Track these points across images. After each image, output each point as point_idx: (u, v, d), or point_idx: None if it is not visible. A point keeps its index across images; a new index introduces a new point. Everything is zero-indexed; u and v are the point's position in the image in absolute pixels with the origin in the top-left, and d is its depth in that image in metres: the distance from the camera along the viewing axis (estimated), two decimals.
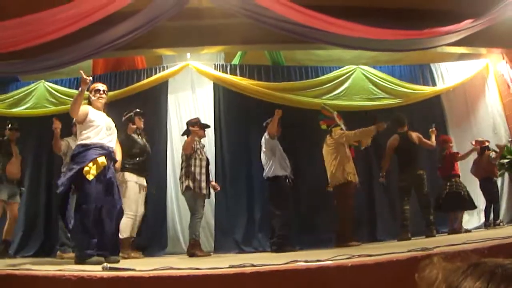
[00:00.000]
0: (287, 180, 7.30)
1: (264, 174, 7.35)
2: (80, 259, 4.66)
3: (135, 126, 6.90)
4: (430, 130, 8.06)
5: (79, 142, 5.12)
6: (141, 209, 6.77)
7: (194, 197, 6.82)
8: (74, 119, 5.44)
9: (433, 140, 7.98)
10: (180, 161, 7.14)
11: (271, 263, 3.28)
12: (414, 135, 7.84)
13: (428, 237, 7.11)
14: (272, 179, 7.24)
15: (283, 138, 7.56)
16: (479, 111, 9.51)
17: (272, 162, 7.26)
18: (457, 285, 0.78)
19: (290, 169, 7.37)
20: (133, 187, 6.59)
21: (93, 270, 3.22)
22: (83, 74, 5.11)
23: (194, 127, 7.03)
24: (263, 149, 7.40)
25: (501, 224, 8.16)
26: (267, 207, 7.48)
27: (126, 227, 6.31)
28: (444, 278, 0.82)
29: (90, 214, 4.82)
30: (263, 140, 7.42)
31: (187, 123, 7.32)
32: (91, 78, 5.26)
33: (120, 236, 5.71)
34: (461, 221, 7.96)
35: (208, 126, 7.51)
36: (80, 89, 5.11)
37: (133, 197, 6.54)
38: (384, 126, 7.36)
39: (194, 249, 6.61)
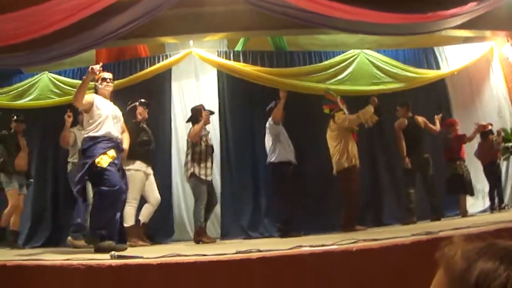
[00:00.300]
0: (291, 166, 7.30)
1: (267, 159, 7.36)
2: (92, 239, 4.76)
3: (142, 115, 6.95)
4: (436, 116, 8.05)
5: (87, 135, 5.12)
6: (157, 196, 6.88)
7: (198, 184, 6.83)
8: (81, 108, 5.42)
9: (437, 126, 7.98)
10: (185, 148, 7.14)
11: (277, 248, 3.31)
12: (420, 119, 7.88)
13: (433, 221, 7.14)
14: (276, 164, 7.24)
15: (287, 123, 7.53)
16: (484, 94, 9.47)
17: (275, 148, 7.25)
18: (475, 261, 0.82)
19: (294, 155, 7.37)
20: (139, 175, 6.63)
21: (101, 258, 3.25)
22: (94, 67, 5.17)
23: (205, 112, 7.08)
24: (267, 134, 7.40)
25: (506, 207, 8.16)
26: (272, 193, 7.49)
27: (130, 216, 6.37)
28: (462, 255, 0.85)
29: (109, 197, 4.87)
30: (267, 125, 7.40)
31: (192, 110, 7.32)
32: (101, 67, 5.28)
33: (125, 225, 5.76)
34: (465, 205, 7.96)
35: (212, 113, 7.51)
36: (85, 77, 5.15)
37: (138, 185, 6.58)
38: (376, 100, 7.42)
39: (200, 236, 6.64)
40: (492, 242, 0.87)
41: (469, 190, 8.00)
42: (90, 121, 5.13)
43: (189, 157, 6.93)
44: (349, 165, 7.22)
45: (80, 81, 7.65)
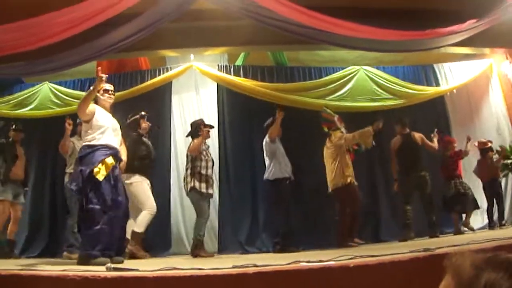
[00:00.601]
0: (287, 181, 7.30)
1: (264, 176, 7.37)
2: (84, 259, 4.65)
3: (147, 126, 6.98)
4: (432, 134, 8.05)
5: (85, 143, 5.10)
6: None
7: (199, 198, 6.83)
8: (81, 118, 5.43)
9: (435, 143, 7.98)
10: (185, 162, 7.14)
11: (274, 263, 3.29)
12: (417, 136, 7.87)
13: (431, 238, 7.12)
14: (272, 181, 7.25)
15: (285, 139, 7.55)
16: (483, 111, 9.49)
17: (272, 165, 7.27)
18: (483, 270, 0.94)
19: (291, 170, 7.36)
20: (143, 184, 6.67)
21: (97, 270, 3.24)
22: (99, 72, 5.23)
23: (206, 128, 7.11)
24: (264, 152, 7.43)
25: (506, 224, 8.15)
26: (269, 208, 7.49)
27: (145, 223, 6.41)
28: (471, 263, 0.96)
29: (97, 215, 4.79)
30: (264, 143, 7.43)
31: (192, 124, 7.33)
32: (106, 76, 5.31)
33: (137, 230, 5.80)
34: (458, 222, 7.96)
35: (212, 127, 7.52)
36: (92, 87, 5.18)
37: (148, 192, 6.67)
38: (380, 125, 7.31)
39: (198, 250, 6.63)
40: (498, 253, 0.99)
41: (474, 205, 8.02)
42: (89, 131, 5.12)
43: (189, 171, 6.92)
44: (344, 183, 7.23)
45: (80, 92, 7.87)
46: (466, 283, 0.94)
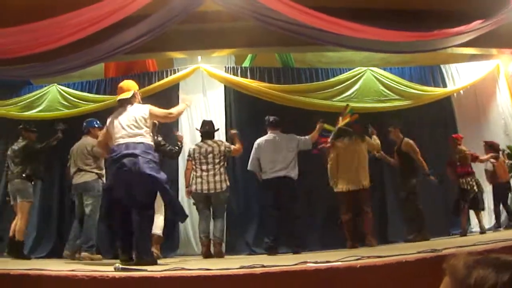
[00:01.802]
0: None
1: (286, 173, 7.23)
2: (146, 260, 4.78)
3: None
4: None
5: (149, 142, 5.30)
6: None
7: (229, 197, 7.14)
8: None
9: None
10: (217, 161, 7.18)
11: (281, 264, 3.31)
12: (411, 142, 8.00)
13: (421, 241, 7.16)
14: (294, 179, 7.26)
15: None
16: (490, 112, 9.46)
17: (295, 163, 7.29)
18: (473, 268, 1.07)
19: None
20: None
21: (105, 270, 3.26)
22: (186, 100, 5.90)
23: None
24: (291, 148, 7.35)
25: None
26: (287, 208, 7.24)
27: (161, 224, 6.49)
28: (464, 264, 1.10)
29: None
30: (298, 139, 7.42)
31: (211, 124, 7.59)
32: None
33: (158, 232, 5.94)
34: (465, 223, 7.97)
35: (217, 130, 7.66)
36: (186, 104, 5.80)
37: None
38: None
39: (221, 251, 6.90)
40: (488, 254, 1.13)
41: (478, 205, 8.00)
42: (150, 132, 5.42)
43: (223, 169, 7.13)
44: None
45: (88, 94, 7.99)
46: (460, 281, 1.08)
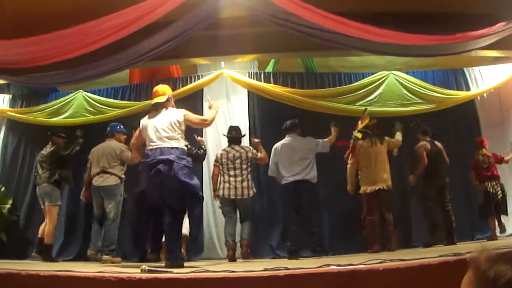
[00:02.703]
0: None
1: (304, 176, 7.24)
2: (176, 262, 4.90)
3: None
4: None
5: (181, 147, 5.43)
6: None
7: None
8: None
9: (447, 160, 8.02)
10: (244, 166, 7.29)
11: (305, 266, 3.34)
12: (440, 145, 7.95)
13: (448, 245, 7.12)
14: (313, 182, 7.30)
15: None
16: None
17: (313, 166, 7.33)
18: (494, 263, 1.18)
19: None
20: None
21: (132, 272, 3.33)
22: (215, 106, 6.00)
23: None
24: (308, 150, 7.39)
25: None
26: (307, 211, 7.27)
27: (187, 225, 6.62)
28: (485, 259, 1.21)
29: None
30: (316, 142, 7.47)
31: (238, 129, 7.74)
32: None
33: (185, 232, 6.21)
34: (494, 227, 7.86)
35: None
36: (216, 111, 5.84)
37: None
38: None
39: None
40: (508, 251, 1.27)
41: (502, 209, 7.90)
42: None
43: (250, 176, 7.28)
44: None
45: (114, 100, 8.17)
46: (481, 274, 1.18)
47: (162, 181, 5.12)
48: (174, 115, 5.45)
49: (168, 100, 5.63)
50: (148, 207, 5.35)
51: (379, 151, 7.50)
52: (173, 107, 5.69)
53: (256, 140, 7.59)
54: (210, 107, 6.02)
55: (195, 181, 5.38)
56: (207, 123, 5.94)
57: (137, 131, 5.71)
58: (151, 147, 5.31)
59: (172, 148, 5.24)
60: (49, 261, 7.13)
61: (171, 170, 5.11)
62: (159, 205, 5.20)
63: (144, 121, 5.58)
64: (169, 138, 5.30)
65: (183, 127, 5.46)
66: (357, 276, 2.95)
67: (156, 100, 5.62)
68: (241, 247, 7.01)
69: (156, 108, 5.59)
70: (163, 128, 5.33)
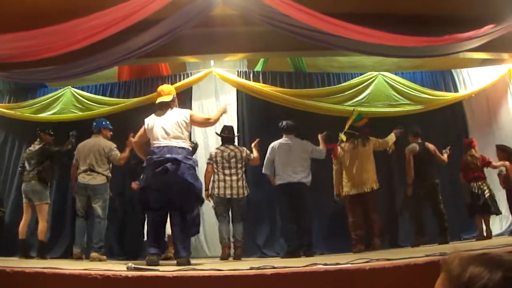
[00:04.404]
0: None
1: (300, 179, 7.28)
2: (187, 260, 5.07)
3: None
4: (444, 150, 8.07)
5: (190, 148, 5.55)
6: None
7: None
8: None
9: (445, 157, 8.03)
10: (239, 166, 7.29)
11: (291, 265, 3.35)
12: (431, 146, 7.97)
13: (441, 244, 7.14)
14: (307, 185, 7.32)
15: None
16: (502, 117, 9.41)
17: (308, 170, 7.37)
18: (467, 266, 1.11)
19: None
20: None
21: (119, 270, 3.32)
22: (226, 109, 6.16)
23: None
24: (305, 156, 7.43)
25: None
26: (301, 212, 7.30)
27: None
28: (458, 262, 1.15)
29: None
30: (312, 147, 7.50)
31: (231, 129, 7.71)
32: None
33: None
34: (481, 228, 7.91)
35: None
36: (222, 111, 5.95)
37: None
38: (402, 132, 7.85)
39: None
40: (482, 253, 1.17)
41: (493, 210, 7.93)
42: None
43: (244, 175, 7.30)
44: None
45: (102, 97, 8.10)
46: (455, 278, 1.13)
47: (168, 181, 5.15)
48: (180, 115, 5.52)
49: (173, 99, 5.70)
50: (151, 203, 5.35)
51: (362, 153, 7.48)
52: (177, 107, 5.76)
53: (256, 141, 7.62)
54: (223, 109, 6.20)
55: (199, 183, 5.50)
56: (211, 123, 5.96)
57: (141, 130, 5.68)
58: (157, 144, 5.35)
59: (179, 147, 5.31)
60: (44, 258, 7.09)
61: (178, 170, 5.17)
62: (162, 203, 5.26)
63: (149, 120, 5.59)
64: (177, 137, 5.36)
65: (189, 128, 5.57)
66: (343, 276, 2.96)
67: (162, 99, 5.64)
68: (235, 249, 7.00)
69: (161, 108, 5.62)
70: (170, 128, 5.40)
